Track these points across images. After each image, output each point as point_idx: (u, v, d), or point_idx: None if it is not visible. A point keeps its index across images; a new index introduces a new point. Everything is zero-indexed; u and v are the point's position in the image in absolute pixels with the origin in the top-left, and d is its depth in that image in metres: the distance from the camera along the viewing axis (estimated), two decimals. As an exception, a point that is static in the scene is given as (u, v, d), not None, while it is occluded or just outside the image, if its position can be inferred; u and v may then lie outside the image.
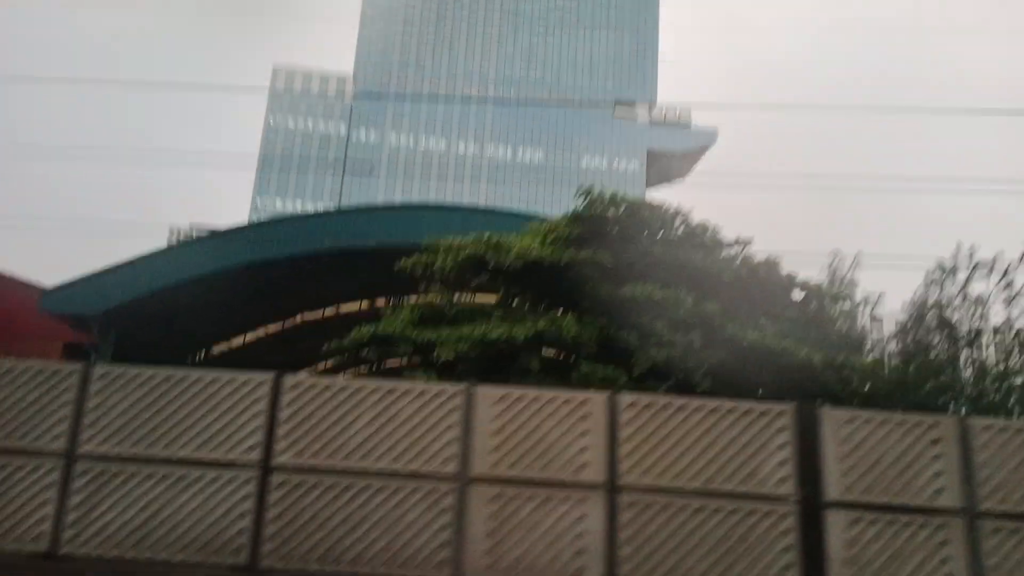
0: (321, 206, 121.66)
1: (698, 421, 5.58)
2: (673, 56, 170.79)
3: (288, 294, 20.86)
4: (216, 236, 17.86)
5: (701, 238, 12.58)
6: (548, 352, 13.42)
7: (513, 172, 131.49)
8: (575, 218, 12.64)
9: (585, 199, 12.52)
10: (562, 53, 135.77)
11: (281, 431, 5.60)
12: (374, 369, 15.42)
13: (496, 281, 12.52)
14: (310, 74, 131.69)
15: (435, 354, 11.91)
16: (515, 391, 5.72)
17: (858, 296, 14.52)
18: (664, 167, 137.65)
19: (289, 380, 5.70)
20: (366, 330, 14.98)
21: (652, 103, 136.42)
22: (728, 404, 5.66)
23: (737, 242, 12.68)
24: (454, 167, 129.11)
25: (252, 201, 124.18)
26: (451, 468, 5.54)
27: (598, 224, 12.44)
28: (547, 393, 5.73)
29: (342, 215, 18.92)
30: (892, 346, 14.75)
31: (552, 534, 5.37)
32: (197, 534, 5.41)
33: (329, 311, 23.77)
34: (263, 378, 5.73)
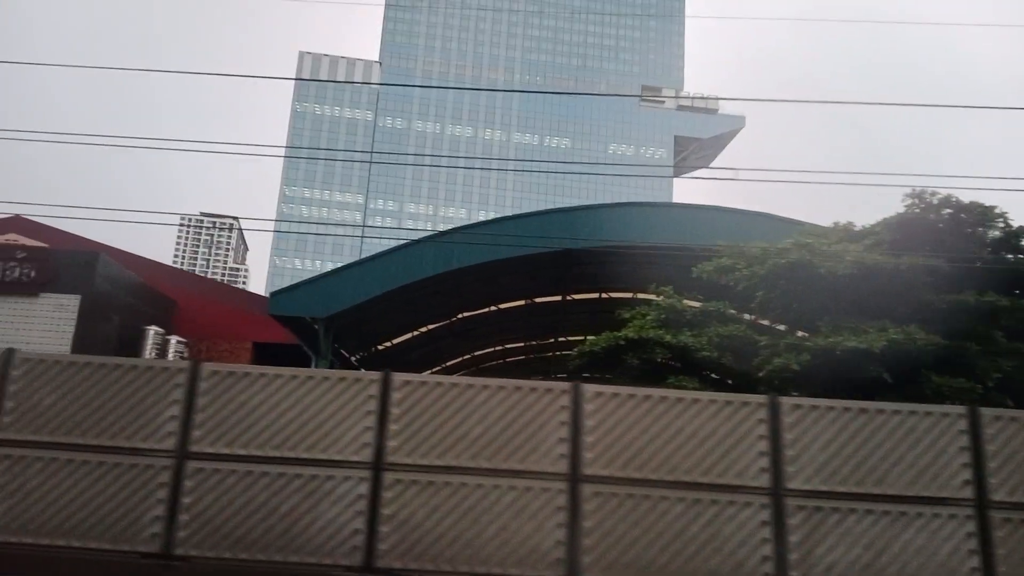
0: (349, 196, 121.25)
1: None
2: (699, 41, 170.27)
3: (473, 294, 20.65)
4: (426, 241, 17.56)
5: (1019, 240, 12.40)
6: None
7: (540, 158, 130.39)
8: (894, 222, 12.44)
9: (914, 201, 12.31)
10: (588, 39, 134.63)
11: (991, 465, 5.44)
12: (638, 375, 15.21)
13: (812, 289, 12.30)
14: (336, 60, 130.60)
15: (762, 363, 11.71)
16: None
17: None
18: (690, 153, 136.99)
19: (988, 414, 5.54)
20: (629, 331, 14.85)
21: (679, 89, 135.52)
22: None
23: (1059, 245, 12.51)
24: (481, 154, 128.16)
25: (280, 191, 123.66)
26: None
27: (914, 227, 12.24)
28: None
29: (548, 215, 18.51)
30: None
31: None
32: (928, 574, 5.26)
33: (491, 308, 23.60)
34: (959, 411, 5.57)
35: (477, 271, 17.56)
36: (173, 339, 18.46)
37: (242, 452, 5.48)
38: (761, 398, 5.58)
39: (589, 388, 5.63)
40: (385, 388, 5.60)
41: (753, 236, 15.21)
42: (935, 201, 12.27)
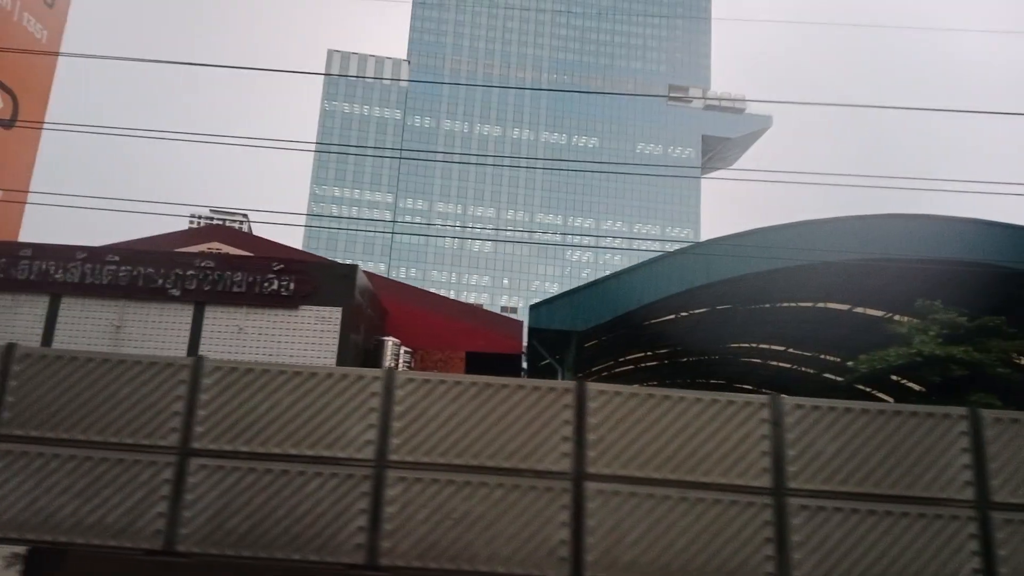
0: (379, 195, 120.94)
1: None
2: (726, 40, 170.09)
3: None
4: (678, 254, 17.17)
5: None
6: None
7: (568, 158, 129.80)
8: None
9: None
10: (615, 38, 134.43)
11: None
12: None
13: None
14: (365, 58, 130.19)
15: None
16: None
17: None
18: (716, 153, 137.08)
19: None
20: (925, 346, 14.69)
21: (706, 88, 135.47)
22: None
23: None
24: (510, 153, 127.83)
25: (310, 190, 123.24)
26: None
27: None
28: None
29: (800, 226, 17.81)
30: None
31: None
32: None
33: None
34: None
35: (729, 284, 17.21)
36: (402, 349, 18.23)
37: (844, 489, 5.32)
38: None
39: None
40: (976, 427, 5.42)
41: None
42: None
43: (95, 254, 16.43)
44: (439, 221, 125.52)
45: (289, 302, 16.05)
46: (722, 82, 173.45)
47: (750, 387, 35.29)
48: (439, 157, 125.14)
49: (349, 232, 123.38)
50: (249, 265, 16.32)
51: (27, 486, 5.28)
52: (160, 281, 16.24)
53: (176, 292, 16.12)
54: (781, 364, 30.54)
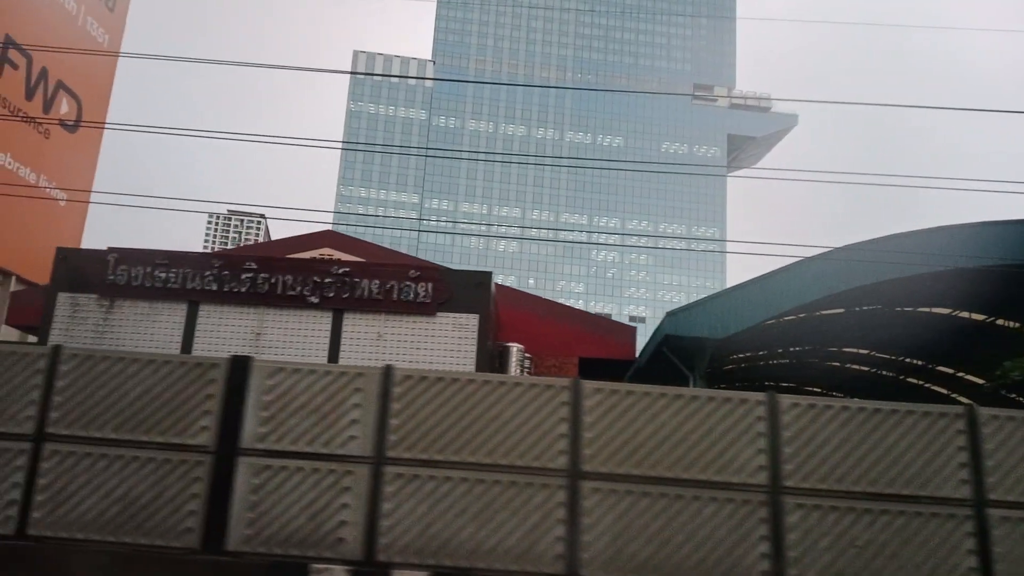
0: (405, 196, 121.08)
1: None
2: (751, 38, 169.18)
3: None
4: (816, 259, 16.79)
5: None
6: None
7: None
8: None
9: None
10: (640, 36, 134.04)
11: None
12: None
13: None
14: (390, 58, 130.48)
15: None
16: None
17: None
18: (742, 151, 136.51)
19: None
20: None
21: (731, 87, 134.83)
22: None
23: None
24: (534, 153, 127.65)
25: (336, 191, 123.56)
26: None
27: None
28: None
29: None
30: None
31: None
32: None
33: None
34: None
35: (862, 290, 16.96)
36: (523, 355, 18.18)
37: None
38: None
39: None
40: None
41: None
42: None
43: (232, 262, 16.45)
44: (464, 221, 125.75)
45: (427, 309, 15.99)
46: (747, 81, 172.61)
47: (820, 390, 35.05)
48: (464, 157, 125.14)
49: (375, 232, 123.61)
50: (386, 272, 16.29)
51: (421, 510, 5.24)
52: (299, 288, 16.23)
53: (315, 299, 16.10)
54: (860, 367, 30.29)
